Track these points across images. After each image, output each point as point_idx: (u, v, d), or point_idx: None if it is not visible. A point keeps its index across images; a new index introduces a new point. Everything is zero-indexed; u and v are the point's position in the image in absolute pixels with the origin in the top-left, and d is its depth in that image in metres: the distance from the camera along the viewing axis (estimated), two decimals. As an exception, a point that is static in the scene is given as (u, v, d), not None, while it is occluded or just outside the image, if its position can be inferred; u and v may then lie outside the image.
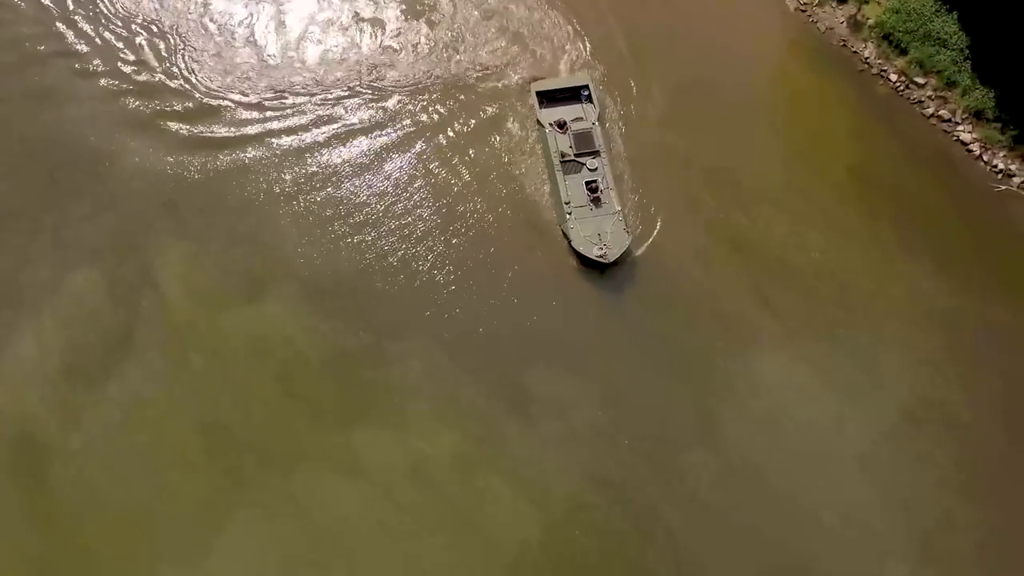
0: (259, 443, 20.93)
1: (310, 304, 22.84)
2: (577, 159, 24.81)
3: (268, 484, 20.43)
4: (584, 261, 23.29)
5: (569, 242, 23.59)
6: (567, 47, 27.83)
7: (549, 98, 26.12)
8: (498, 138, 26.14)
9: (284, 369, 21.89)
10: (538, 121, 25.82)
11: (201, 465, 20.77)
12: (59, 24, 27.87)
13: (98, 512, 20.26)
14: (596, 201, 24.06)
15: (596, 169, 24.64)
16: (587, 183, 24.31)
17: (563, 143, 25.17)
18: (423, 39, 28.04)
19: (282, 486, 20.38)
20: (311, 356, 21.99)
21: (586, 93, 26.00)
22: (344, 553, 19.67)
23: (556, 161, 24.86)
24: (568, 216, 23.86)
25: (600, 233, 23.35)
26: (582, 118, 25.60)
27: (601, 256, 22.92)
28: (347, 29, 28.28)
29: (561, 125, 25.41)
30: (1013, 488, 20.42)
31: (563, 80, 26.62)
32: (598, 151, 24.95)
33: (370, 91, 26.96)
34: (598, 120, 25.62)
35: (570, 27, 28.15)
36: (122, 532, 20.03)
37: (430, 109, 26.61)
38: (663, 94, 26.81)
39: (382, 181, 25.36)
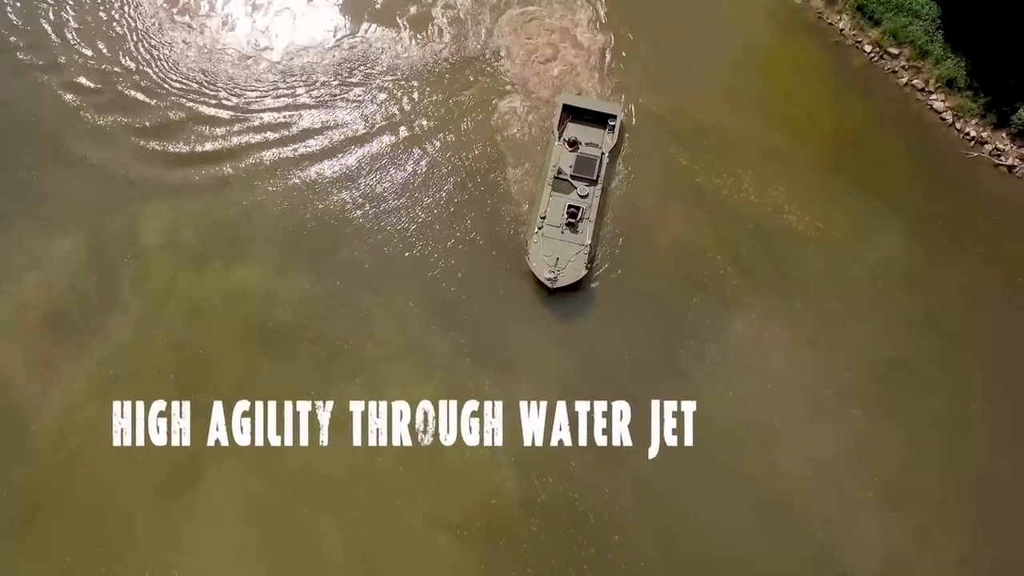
0: (235, 395, 21.13)
1: (291, 266, 23.12)
2: (571, 180, 24.10)
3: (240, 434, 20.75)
4: (536, 278, 22.74)
5: (529, 262, 22.79)
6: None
7: (575, 114, 25.43)
8: (500, 131, 26.01)
9: (262, 325, 22.14)
10: (554, 130, 25.09)
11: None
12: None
13: (72, 465, 20.40)
14: (571, 227, 23.25)
15: (586, 196, 23.77)
16: (570, 206, 23.51)
17: (565, 160, 24.45)
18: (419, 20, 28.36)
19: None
20: (289, 313, 22.30)
21: (612, 123, 25.17)
22: (315, 499, 19.97)
23: (550, 174, 24.16)
24: (537, 231, 23.24)
25: (559, 258, 22.65)
26: (597, 144, 24.83)
27: (549, 280, 22.15)
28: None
29: (572, 143, 24.78)
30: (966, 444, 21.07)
31: (594, 102, 25.79)
32: (595, 181, 24.10)
33: (359, 73, 27.39)
34: (611, 152, 24.84)
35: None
36: (96, 485, 20.17)
37: (426, 96, 26.65)
38: (648, 50, 27.37)
39: (370, 157, 25.46)
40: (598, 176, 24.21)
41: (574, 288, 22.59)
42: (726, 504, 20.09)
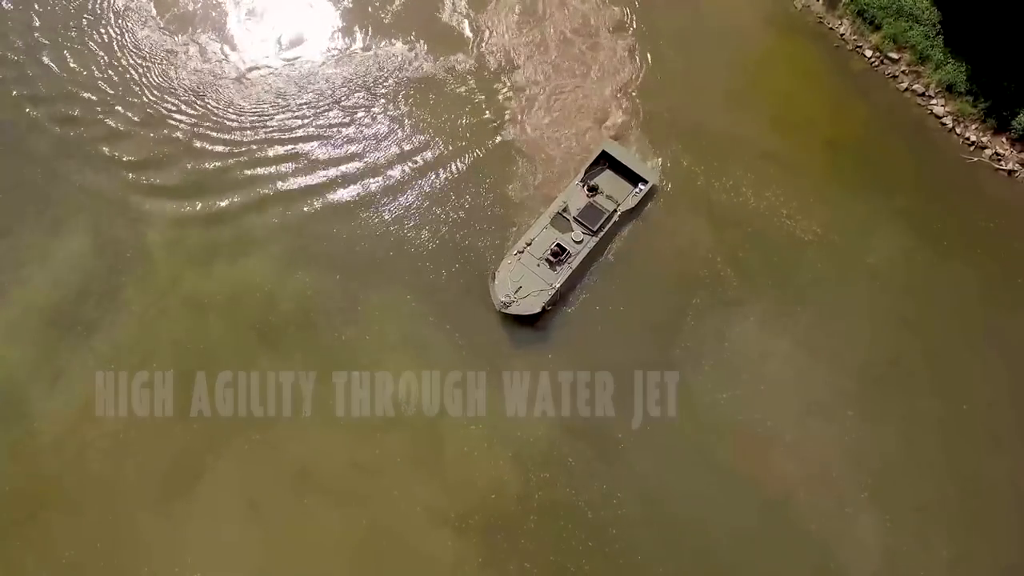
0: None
1: (293, 262, 23.60)
2: (573, 221, 23.51)
3: (243, 431, 21.22)
4: (493, 297, 22.43)
5: (493, 274, 22.68)
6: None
7: (612, 163, 24.75)
8: (505, 137, 26.07)
9: (263, 320, 22.63)
10: (581, 170, 24.49)
11: (181, 416, 21.42)
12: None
13: (80, 462, 20.93)
14: (550, 264, 22.79)
15: (580, 243, 23.16)
16: (558, 244, 23.05)
17: (576, 201, 23.87)
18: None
19: (257, 432, 21.22)
20: (289, 308, 22.80)
21: (642, 187, 24.30)
22: (315, 491, 20.47)
23: (556, 207, 23.69)
24: (516, 253, 22.99)
25: (521, 287, 22.34)
26: (616, 200, 24.08)
27: (502, 303, 21.89)
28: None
29: (593, 188, 24.21)
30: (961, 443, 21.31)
31: (633, 160, 24.77)
32: (595, 233, 23.42)
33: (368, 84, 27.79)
34: (624, 213, 23.98)
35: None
36: (104, 480, 20.72)
37: (430, 103, 26.74)
38: (648, 53, 27.65)
39: (371, 157, 25.80)
40: (599, 229, 23.48)
41: (529, 322, 22.43)
42: (722, 500, 20.41)
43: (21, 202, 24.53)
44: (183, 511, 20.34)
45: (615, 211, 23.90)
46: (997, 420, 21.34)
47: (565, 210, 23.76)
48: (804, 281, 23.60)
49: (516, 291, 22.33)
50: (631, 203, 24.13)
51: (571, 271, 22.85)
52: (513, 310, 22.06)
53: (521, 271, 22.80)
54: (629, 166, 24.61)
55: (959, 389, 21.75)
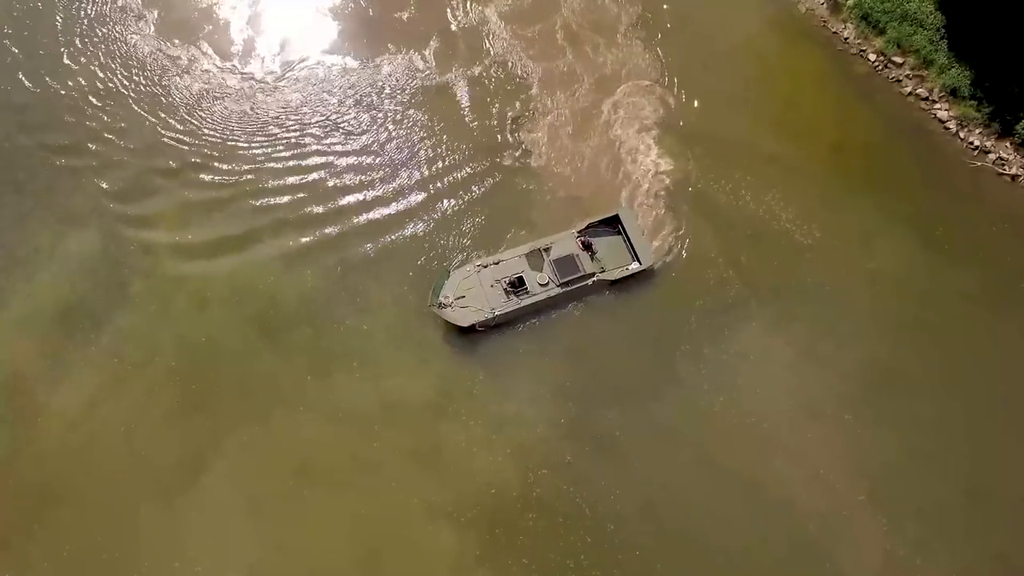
0: (239, 389, 21.86)
1: (296, 259, 23.80)
2: (546, 264, 22.91)
3: (244, 425, 21.41)
4: (435, 291, 22.35)
5: (448, 271, 22.62)
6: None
7: (625, 230, 23.81)
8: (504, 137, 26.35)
9: (266, 320, 22.80)
10: (586, 221, 23.76)
11: (184, 412, 21.62)
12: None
13: (84, 457, 21.12)
14: (506, 292, 22.34)
15: (544, 286, 22.56)
16: (519, 278, 22.54)
17: (562, 247, 23.18)
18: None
19: (258, 426, 21.38)
20: (290, 302, 23.00)
21: (634, 267, 23.25)
22: (316, 484, 20.61)
23: (538, 245, 23.21)
24: (479, 266, 22.68)
25: (464, 297, 22.05)
26: (603, 266, 23.21)
27: (436, 304, 21.82)
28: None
29: (587, 245, 23.47)
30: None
31: (639, 237, 23.61)
32: (560, 287, 22.61)
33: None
34: (603, 281, 23.01)
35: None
36: (107, 475, 20.91)
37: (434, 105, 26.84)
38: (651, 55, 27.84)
39: (372, 157, 26.02)
40: (566, 284, 22.67)
41: (463, 331, 22.21)
42: (720, 501, 20.49)
43: (27, 201, 24.72)
44: (185, 505, 20.53)
45: (592, 275, 22.92)
46: (996, 423, 21.31)
47: (546, 249, 23.18)
48: (805, 284, 23.63)
49: (458, 298, 21.98)
50: (614, 275, 23.08)
51: (518, 307, 22.24)
52: (444, 314, 21.79)
53: (474, 283, 22.41)
54: (631, 240, 23.51)
55: (958, 392, 21.74)
